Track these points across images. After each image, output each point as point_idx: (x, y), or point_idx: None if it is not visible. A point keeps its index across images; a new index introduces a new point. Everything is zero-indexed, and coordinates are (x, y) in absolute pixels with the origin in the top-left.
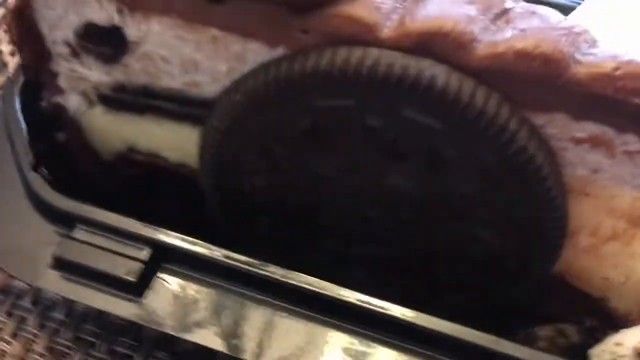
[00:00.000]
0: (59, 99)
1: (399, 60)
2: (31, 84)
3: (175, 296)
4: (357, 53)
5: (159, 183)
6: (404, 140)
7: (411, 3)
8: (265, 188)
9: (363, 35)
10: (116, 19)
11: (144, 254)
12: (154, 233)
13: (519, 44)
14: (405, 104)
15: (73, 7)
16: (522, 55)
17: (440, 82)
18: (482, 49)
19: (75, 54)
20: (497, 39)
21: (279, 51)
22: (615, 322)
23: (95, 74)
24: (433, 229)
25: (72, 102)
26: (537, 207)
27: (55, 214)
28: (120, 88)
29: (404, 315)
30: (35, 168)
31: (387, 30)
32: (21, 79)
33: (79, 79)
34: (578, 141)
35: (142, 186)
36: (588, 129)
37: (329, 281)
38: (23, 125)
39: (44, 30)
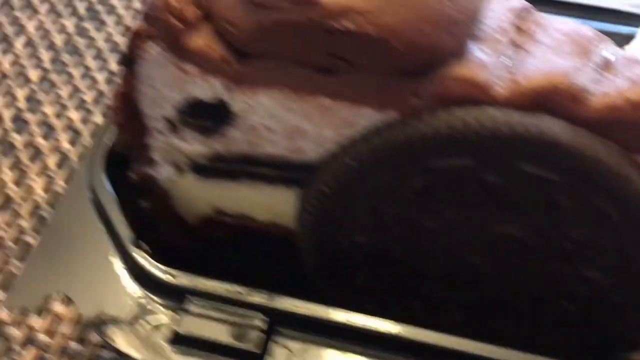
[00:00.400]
0: (149, 170)
1: (517, 119)
2: (117, 156)
3: None
4: (474, 113)
5: (244, 243)
6: (520, 193)
7: (513, 56)
8: (367, 244)
9: (476, 95)
10: (222, 94)
11: (262, 321)
12: (268, 299)
13: (634, 95)
14: (525, 159)
15: (177, 85)
16: (638, 106)
17: (559, 137)
18: (595, 101)
19: (173, 128)
20: (608, 90)
21: (389, 115)
22: None
23: (193, 145)
24: (540, 272)
25: (163, 172)
26: None
27: (163, 288)
28: (217, 158)
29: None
30: (136, 242)
31: (500, 88)
32: (103, 150)
33: (173, 151)
34: None
35: (226, 247)
36: None
37: (426, 327)
38: (115, 198)
39: (144, 109)
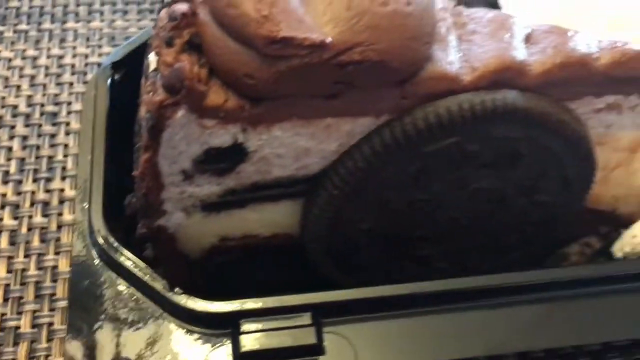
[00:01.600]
0: (160, 222)
1: (487, 97)
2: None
3: (348, 340)
4: (453, 101)
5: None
6: (493, 152)
7: (464, 48)
8: (371, 228)
9: (451, 87)
10: (239, 137)
11: (309, 318)
12: (308, 298)
13: (558, 59)
14: (495, 125)
15: (196, 139)
16: (563, 66)
17: (517, 102)
18: (534, 69)
19: (188, 177)
20: (540, 59)
21: (383, 119)
22: (624, 224)
23: (205, 188)
24: (506, 210)
25: (173, 220)
26: (584, 167)
27: (217, 321)
28: (228, 193)
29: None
30: (171, 288)
31: (465, 77)
32: (99, 209)
33: (186, 197)
34: (598, 110)
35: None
36: (605, 100)
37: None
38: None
39: (163, 169)
